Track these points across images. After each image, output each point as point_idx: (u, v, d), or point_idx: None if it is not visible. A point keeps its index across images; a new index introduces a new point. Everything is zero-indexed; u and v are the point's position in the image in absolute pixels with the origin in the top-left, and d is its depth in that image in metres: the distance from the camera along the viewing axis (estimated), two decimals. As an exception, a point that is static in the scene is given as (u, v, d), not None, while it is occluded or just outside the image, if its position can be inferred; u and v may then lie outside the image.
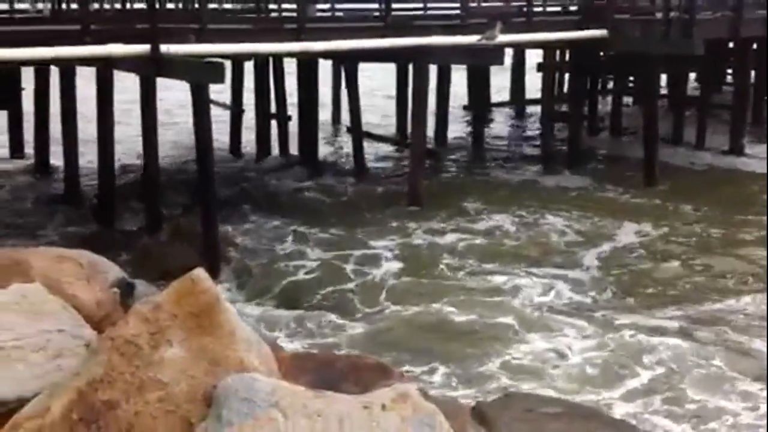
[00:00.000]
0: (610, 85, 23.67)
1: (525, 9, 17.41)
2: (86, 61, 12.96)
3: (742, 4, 18.49)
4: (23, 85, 18.72)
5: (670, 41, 17.10)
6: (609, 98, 23.69)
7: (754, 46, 22.10)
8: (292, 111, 18.85)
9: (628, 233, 13.97)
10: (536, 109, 22.51)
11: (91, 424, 3.62)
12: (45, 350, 4.04)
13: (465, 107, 24.42)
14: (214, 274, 11.54)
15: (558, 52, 20.28)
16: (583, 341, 9.70)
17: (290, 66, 18.98)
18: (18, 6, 16.32)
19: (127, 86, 15.60)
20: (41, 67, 16.90)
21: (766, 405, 8.41)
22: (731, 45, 21.62)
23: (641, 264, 12.62)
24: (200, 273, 4.08)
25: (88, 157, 16.34)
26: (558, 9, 19.56)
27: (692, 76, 23.53)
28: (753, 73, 22.78)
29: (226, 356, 3.96)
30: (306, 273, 12.05)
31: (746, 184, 17.27)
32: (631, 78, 22.62)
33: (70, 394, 3.70)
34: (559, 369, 9.02)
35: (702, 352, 9.28)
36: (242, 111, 19.96)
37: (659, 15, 17.79)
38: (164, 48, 12.08)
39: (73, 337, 4.15)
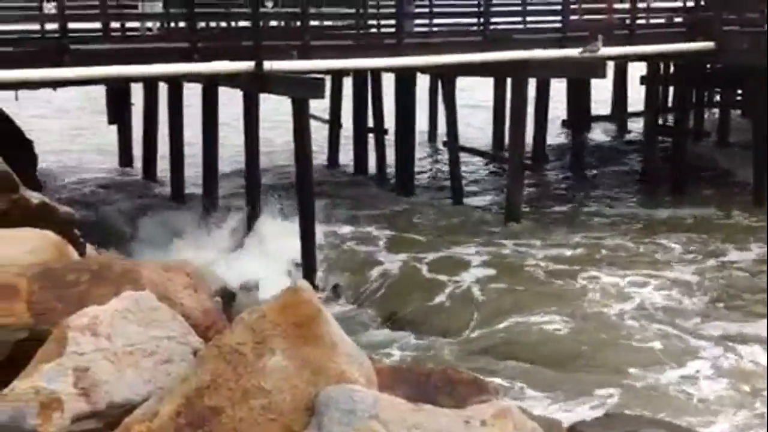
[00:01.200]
0: (717, 98, 22.95)
1: (628, 21, 17.07)
2: (193, 77, 13.38)
3: None
4: (132, 101, 19.49)
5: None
6: (715, 112, 22.97)
7: None
8: (389, 125, 18.99)
9: (730, 252, 13.51)
10: (638, 123, 22.02)
11: (197, 429, 3.72)
12: (155, 356, 4.17)
13: (564, 121, 24.07)
14: (310, 280, 11.90)
15: (662, 65, 19.82)
16: (698, 362, 9.38)
17: (388, 80, 19.13)
18: (128, 25, 17.00)
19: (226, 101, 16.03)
20: (150, 84, 17.53)
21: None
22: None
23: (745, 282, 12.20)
24: (303, 284, 4.14)
25: (192, 168, 16.86)
26: (662, 21, 19.09)
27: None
28: None
29: (328, 367, 3.99)
30: (399, 283, 12.08)
31: None
32: (739, 91, 21.90)
33: (178, 400, 3.81)
34: (670, 392, 8.76)
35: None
36: (340, 125, 20.20)
37: (769, 26, 17.20)
38: (267, 65, 12.37)
39: (181, 344, 4.27)
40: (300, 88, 12.68)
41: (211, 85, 14.21)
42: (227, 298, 5.73)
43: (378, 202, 16.92)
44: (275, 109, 18.22)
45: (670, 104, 22.92)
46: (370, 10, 15.56)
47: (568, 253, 13.49)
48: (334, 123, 20.25)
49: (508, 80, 16.93)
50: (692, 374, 9.18)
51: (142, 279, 4.88)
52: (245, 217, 14.00)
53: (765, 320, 10.69)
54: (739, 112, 23.04)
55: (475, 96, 24.98)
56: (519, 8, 16.81)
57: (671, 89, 22.51)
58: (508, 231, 14.68)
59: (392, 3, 14.79)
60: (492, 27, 15.42)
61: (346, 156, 19.85)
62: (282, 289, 4.18)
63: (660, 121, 19.78)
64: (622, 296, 11.40)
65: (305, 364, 3.93)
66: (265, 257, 12.81)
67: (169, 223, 14.95)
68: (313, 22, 14.86)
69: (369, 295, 11.94)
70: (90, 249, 6.28)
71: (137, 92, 18.91)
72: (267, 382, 3.83)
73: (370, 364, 4.49)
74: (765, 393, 8.49)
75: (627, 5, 17.18)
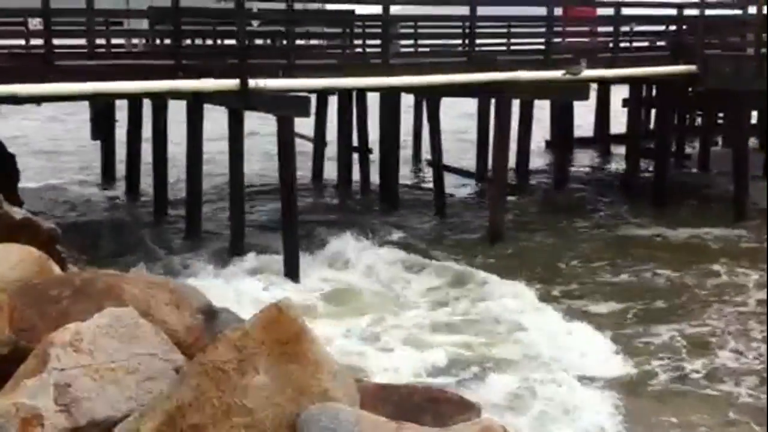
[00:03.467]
0: (698, 121, 23.19)
1: (611, 44, 17.26)
2: (178, 94, 13.39)
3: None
4: (117, 117, 19.49)
5: (762, 78, 16.72)
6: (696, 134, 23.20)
7: None
8: (374, 145, 19.06)
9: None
10: (621, 145, 22.21)
11: (178, 447, 3.70)
12: (137, 373, 4.15)
13: (548, 143, 24.23)
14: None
15: (644, 88, 20.03)
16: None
17: (373, 100, 19.22)
18: (114, 41, 17.02)
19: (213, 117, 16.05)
20: (134, 100, 17.52)
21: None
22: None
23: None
24: (287, 301, 4.14)
25: (175, 185, 16.84)
26: (645, 44, 19.32)
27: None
28: None
29: (311, 385, 3.99)
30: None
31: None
32: (721, 114, 22.14)
33: (160, 417, 3.79)
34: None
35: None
36: (325, 144, 20.27)
37: (751, 51, 17.43)
38: (252, 83, 12.40)
39: (163, 361, 4.25)
40: (285, 106, 12.73)
41: (196, 102, 14.22)
42: (210, 315, 5.71)
43: (361, 219, 16.97)
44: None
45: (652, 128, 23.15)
46: (356, 30, 15.65)
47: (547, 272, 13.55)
48: (319, 141, 20.34)
49: (492, 101, 17.04)
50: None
51: (124, 295, 4.86)
52: (230, 234, 13.97)
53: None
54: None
55: (463, 114, 25.13)
56: (504, 30, 16.96)
57: (653, 112, 22.75)
58: (490, 250, 14.74)
59: (378, 23, 14.87)
60: (477, 48, 15.53)
61: (330, 174, 19.88)
62: (265, 306, 4.18)
63: (641, 144, 19.97)
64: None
65: (288, 383, 3.93)
66: (249, 275, 12.79)
67: (151, 240, 14.91)
68: (299, 41, 14.93)
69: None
70: (72, 265, 6.25)
71: (122, 109, 18.90)
72: (249, 400, 3.82)
73: (353, 382, 4.49)
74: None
75: (611, 28, 17.35)
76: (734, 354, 10.41)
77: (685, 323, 11.45)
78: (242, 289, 11.80)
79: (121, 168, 19.33)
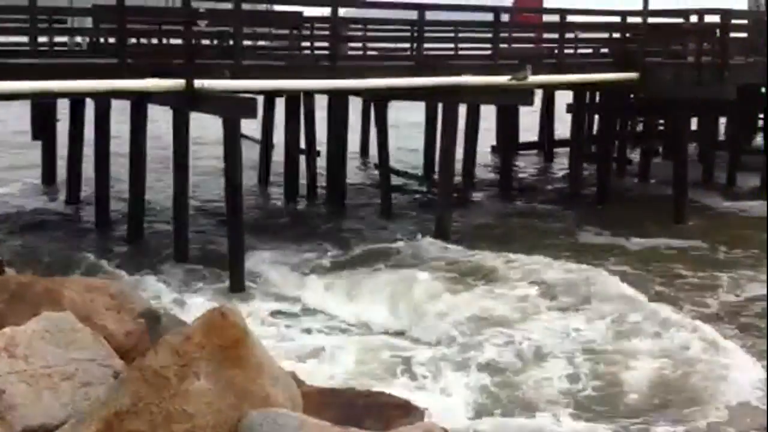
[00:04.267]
0: (640, 127, 23.63)
1: (556, 51, 17.48)
2: (122, 94, 13.19)
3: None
4: (58, 116, 19.10)
5: (702, 86, 17.11)
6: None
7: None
8: (322, 147, 19.02)
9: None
10: (565, 149, 22.51)
11: (116, 454, 3.64)
12: (74, 379, 4.08)
13: (493, 147, 24.47)
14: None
15: (588, 95, 20.34)
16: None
17: (321, 101, 19.17)
18: (57, 39, 16.70)
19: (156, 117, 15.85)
20: (76, 99, 17.20)
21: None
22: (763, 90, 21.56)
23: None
24: (229, 306, 4.11)
25: (118, 186, 16.56)
26: (589, 51, 19.61)
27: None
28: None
29: (252, 390, 3.97)
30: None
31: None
32: (661, 121, 22.59)
33: (97, 424, 3.73)
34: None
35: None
36: (272, 146, 20.17)
37: (691, 59, 17.81)
38: (198, 83, 12.27)
39: (102, 366, 4.19)
40: (230, 108, 12.62)
41: (140, 103, 14.02)
42: (152, 319, 5.64)
43: (307, 222, 16.92)
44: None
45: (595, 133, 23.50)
46: (305, 32, 15.59)
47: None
48: (266, 143, 20.24)
49: (440, 105, 17.14)
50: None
51: (63, 299, 4.77)
52: (173, 238, 13.79)
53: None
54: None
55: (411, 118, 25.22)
56: (451, 35, 17.06)
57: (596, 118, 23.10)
58: (440, 252, 14.82)
59: (327, 25, 14.84)
60: (425, 53, 15.59)
61: (278, 177, 19.77)
62: (207, 311, 4.14)
63: (584, 149, 20.28)
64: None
65: (229, 388, 3.89)
66: (193, 280, 12.65)
67: (91, 244, 14.66)
68: (246, 42, 14.82)
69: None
70: (10, 269, 6.11)
71: (63, 108, 18.53)
72: (190, 406, 3.78)
73: (296, 386, 4.48)
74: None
75: (556, 35, 17.57)
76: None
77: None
78: (185, 294, 11.67)
79: (62, 169, 18.94)
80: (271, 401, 3.97)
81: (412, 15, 15.45)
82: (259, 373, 4.01)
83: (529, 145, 25.54)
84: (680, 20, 18.00)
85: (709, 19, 17.81)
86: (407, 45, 16.01)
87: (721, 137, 23.69)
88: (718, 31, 17.64)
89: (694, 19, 17.69)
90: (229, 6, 13.89)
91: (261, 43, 16.71)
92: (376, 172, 19.10)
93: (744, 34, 18.60)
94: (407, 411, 5.39)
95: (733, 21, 17.91)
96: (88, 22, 17.19)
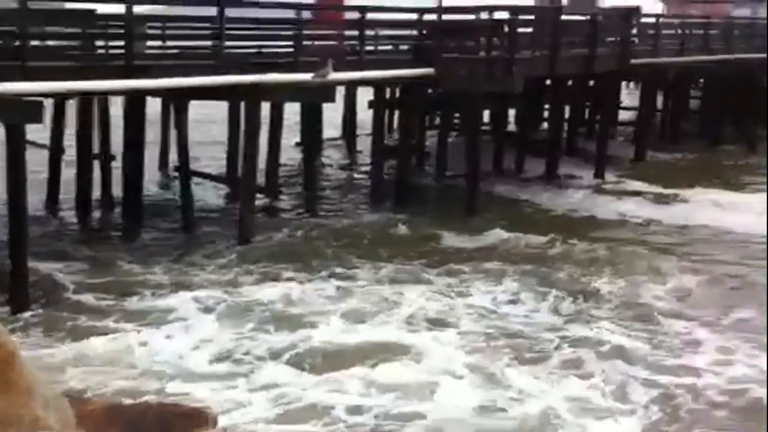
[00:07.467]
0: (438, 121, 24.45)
1: (357, 48, 17.69)
2: None
3: (559, 44, 19.66)
4: None
5: (492, 80, 17.95)
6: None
7: (569, 83, 23.62)
8: (117, 151, 18.15)
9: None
10: (368, 144, 22.90)
11: None
12: None
13: (298, 143, 24.48)
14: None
15: (389, 90, 20.79)
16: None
17: (116, 104, 18.30)
18: None
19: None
20: None
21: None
22: (548, 82, 22.99)
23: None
24: (-7, 326, 3.86)
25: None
26: (390, 48, 20.02)
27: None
28: (567, 108, 24.45)
29: (21, 415, 3.79)
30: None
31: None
32: (457, 114, 23.48)
33: None
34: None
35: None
36: (62, 151, 18.90)
37: (483, 54, 18.61)
38: (-20, 87, 11.36)
39: None
40: (13, 112, 11.75)
41: None
42: None
43: (103, 232, 16.18)
44: None
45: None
46: (98, 30, 14.81)
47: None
48: (56, 149, 18.87)
49: (243, 104, 16.89)
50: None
51: None
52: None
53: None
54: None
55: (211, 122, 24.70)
56: (254, 33, 16.85)
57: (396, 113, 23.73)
58: (240, 255, 14.61)
59: (122, 23, 14.16)
60: (226, 51, 15.28)
61: (69, 185, 18.52)
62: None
63: (386, 143, 20.72)
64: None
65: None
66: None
67: None
68: (34, 42, 13.91)
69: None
70: None
71: None
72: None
73: (68, 406, 4.34)
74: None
75: (357, 32, 17.78)
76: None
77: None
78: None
79: None
80: (40, 425, 3.84)
81: (213, 12, 15.11)
82: (29, 396, 3.90)
83: (333, 141, 25.81)
84: (472, 17, 18.72)
85: (499, 15, 18.65)
86: (209, 43, 15.59)
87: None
88: (506, 27, 18.55)
89: (485, 15, 18.46)
90: (14, 5, 12.95)
91: (50, 43, 15.68)
92: (177, 177, 18.35)
93: (531, 29, 19.64)
94: (198, 420, 5.46)
95: (521, 17, 18.88)
96: None
